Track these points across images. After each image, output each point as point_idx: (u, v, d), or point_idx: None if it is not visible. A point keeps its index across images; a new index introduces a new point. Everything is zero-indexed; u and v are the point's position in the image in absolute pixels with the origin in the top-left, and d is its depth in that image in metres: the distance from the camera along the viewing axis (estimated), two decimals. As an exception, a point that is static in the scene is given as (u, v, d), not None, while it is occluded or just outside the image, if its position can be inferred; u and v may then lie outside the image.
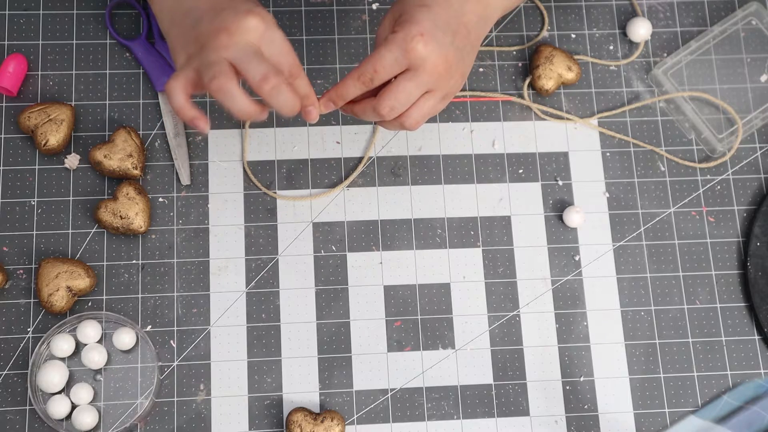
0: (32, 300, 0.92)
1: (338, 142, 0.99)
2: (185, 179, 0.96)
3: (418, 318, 0.95)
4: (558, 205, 0.98)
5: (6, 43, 0.99)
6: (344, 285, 0.95)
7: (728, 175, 1.00)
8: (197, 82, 0.75)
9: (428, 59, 0.78)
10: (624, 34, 1.04)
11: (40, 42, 0.99)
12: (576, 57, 1.02)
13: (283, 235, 0.96)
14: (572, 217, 0.97)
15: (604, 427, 0.93)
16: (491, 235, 0.97)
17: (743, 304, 0.97)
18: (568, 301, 0.96)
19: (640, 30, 1.02)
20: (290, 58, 0.77)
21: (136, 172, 0.94)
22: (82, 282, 0.91)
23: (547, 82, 0.99)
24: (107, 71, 0.99)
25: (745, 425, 0.71)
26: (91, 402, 0.90)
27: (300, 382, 0.92)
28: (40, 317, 0.92)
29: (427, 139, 0.99)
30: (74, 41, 0.99)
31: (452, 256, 0.96)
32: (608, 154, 1.00)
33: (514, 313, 0.95)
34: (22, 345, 0.91)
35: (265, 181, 0.97)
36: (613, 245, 0.98)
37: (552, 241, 0.97)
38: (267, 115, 0.77)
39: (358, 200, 0.97)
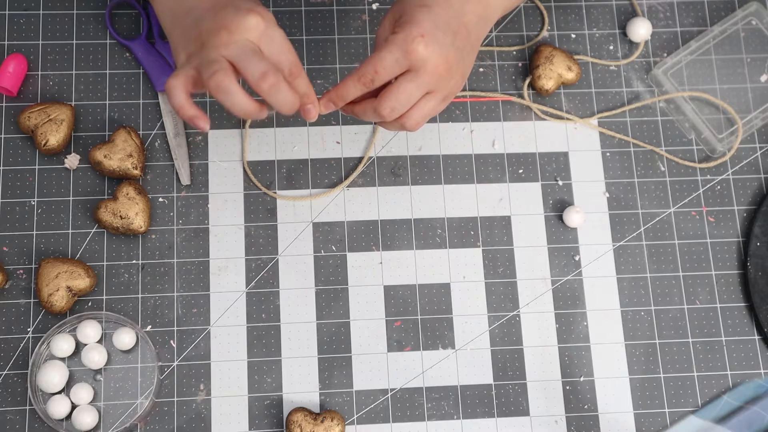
0: (32, 300, 0.92)
1: (338, 142, 0.99)
2: (185, 179, 0.96)
3: (418, 318, 0.95)
4: (558, 205, 0.98)
5: (6, 43, 0.99)
6: (344, 285, 0.95)
7: (728, 175, 1.00)
8: (197, 81, 0.75)
9: (429, 60, 0.78)
10: (624, 34, 1.04)
11: (40, 42, 0.99)
12: (576, 57, 1.02)
13: (283, 235, 0.96)
14: (572, 217, 0.97)
15: (604, 427, 0.92)
16: (491, 235, 0.97)
17: (743, 304, 0.97)
18: (568, 301, 0.96)
19: (640, 30, 1.02)
20: (290, 57, 0.77)
21: (136, 172, 0.94)
22: (82, 282, 0.91)
23: (547, 82, 0.99)
24: (107, 71, 0.99)
25: (745, 425, 0.71)
26: (91, 402, 0.90)
27: (300, 382, 0.92)
28: (40, 317, 0.92)
29: (427, 139, 0.99)
30: (74, 41, 0.99)
31: (452, 256, 0.96)
32: (608, 154, 1.00)
33: (514, 313, 0.95)
34: (22, 345, 0.91)
35: (265, 181, 0.97)
36: (613, 245, 0.98)
37: (552, 241, 0.97)
38: (266, 114, 0.77)
39: (358, 200, 0.97)
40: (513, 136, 1.00)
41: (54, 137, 0.94)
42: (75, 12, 1.00)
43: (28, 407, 0.90)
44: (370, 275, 0.95)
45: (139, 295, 0.93)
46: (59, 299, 0.90)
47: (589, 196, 0.99)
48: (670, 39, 1.04)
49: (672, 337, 0.95)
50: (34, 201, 0.95)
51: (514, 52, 1.03)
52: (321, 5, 1.02)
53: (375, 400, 0.92)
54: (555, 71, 0.99)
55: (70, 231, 0.94)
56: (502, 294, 0.96)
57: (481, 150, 0.99)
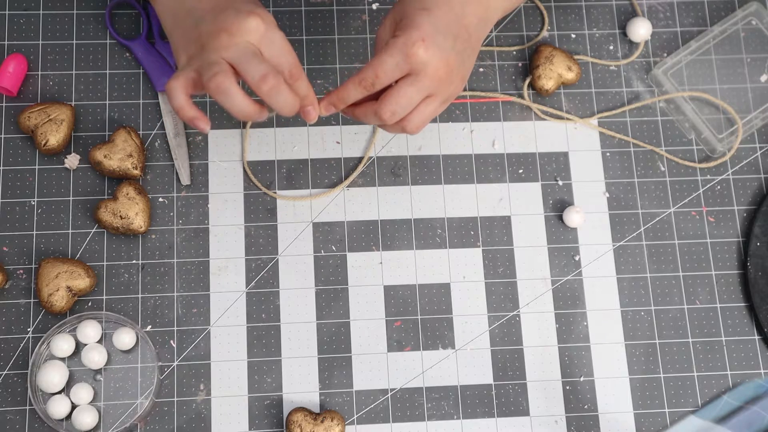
0: (32, 300, 0.92)
1: (338, 142, 0.99)
2: (185, 179, 0.96)
3: (418, 318, 0.95)
4: (558, 205, 0.98)
5: (6, 43, 0.99)
6: (344, 285, 0.95)
7: (728, 175, 1.00)
8: (198, 82, 0.75)
9: (429, 64, 0.78)
10: (624, 34, 1.04)
11: (40, 42, 0.99)
12: (576, 57, 1.02)
13: (283, 235, 0.96)
14: (572, 217, 0.97)
15: (604, 427, 0.93)
16: (491, 235, 0.97)
17: (743, 304, 0.97)
18: (568, 301, 0.96)
19: (640, 30, 1.02)
20: (290, 59, 0.77)
21: (136, 172, 0.94)
22: (82, 282, 0.91)
23: (547, 82, 0.99)
24: (107, 71, 0.99)
25: (745, 425, 0.71)
26: (91, 402, 0.90)
27: (300, 382, 0.92)
28: (40, 317, 0.92)
29: (427, 139, 0.99)
30: (74, 41, 0.99)
31: (452, 256, 0.96)
32: (608, 154, 1.00)
33: (514, 313, 0.95)
34: (22, 345, 0.91)
35: (265, 181, 0.97)
36: (613, 245, 0.98)
37: (552, 241, 0.97)
38: (267, 116, 0.77)
39: (358, 200, 0.97)
40: (513, 136, 1.00)
41: (54, 137, 0.94)
42: (75, 12, 1.00)
43: (28, 407, 0.90)
44: (370, 275, 0.95)
45: (139, 295, 0.93)
46: (59, 299, 0.90)
47: (589, 196, 0.99)
48: (670, 39, 1.04)
49: (672, 337, 0.95)
50: (34, 201, 0.95)
51: (514, 52, 1.03)
52: (321, 5, 1.02)
53: (375, 400, 0.92)
54: (555, 71, 0.99)
55: (70, 231, 0.94)
56: (502, 294, 0.96)
57: (481, 150, 0.99)
